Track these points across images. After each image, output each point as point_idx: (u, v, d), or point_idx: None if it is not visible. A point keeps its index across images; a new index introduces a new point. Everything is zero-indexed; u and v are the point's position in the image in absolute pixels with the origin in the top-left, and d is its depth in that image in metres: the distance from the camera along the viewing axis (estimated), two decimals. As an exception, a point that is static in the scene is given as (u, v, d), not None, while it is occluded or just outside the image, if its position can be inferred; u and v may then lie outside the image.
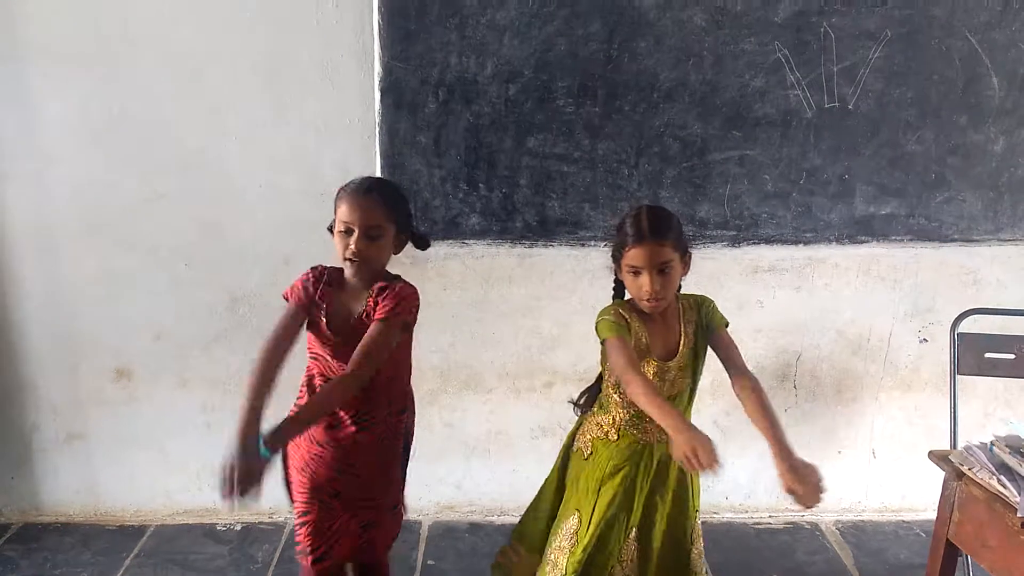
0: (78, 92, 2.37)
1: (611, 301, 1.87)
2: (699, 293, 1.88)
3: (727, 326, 1.84)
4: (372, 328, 1.70)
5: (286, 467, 1.91)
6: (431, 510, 2.75)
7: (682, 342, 1.79)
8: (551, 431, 2.70)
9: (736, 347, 1.81)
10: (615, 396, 1.84)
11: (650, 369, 1.77)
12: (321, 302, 1.77)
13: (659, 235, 1.69)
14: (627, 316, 1.78)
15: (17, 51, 2.33)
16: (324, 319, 1.76)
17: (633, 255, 1.70)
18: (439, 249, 2.52)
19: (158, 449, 2.68)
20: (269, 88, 2.39)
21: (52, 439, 2.66)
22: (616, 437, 1.84)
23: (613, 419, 1.84)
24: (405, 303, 1.74)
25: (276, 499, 2.71)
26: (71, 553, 2.54)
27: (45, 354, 2.58)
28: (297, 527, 1.86)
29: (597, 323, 1.79)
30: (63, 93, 2.37)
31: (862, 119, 2.44)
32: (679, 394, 1.82)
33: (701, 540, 1.93)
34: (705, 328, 1.82)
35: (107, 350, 2.58)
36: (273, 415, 2.75)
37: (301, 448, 1.83)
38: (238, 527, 2.70)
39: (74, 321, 2.55)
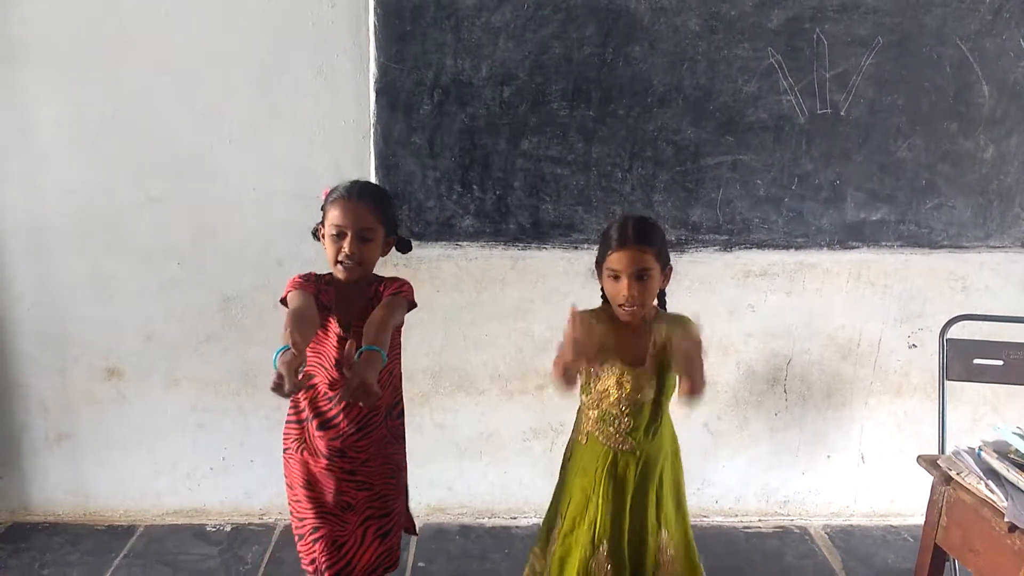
0: (71, 94, 2.36)
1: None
2: (682, 313, 1.84)
3: (697, 339, 1.72)
4: (382, 302, 1.71)
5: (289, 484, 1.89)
6: (422, 512, 2.75)
7: (649, 352, 1.77)
8: (543, 433, 2.71)
9: (699, 354, 1.70)
10: (583, 398, 1.86)
11: (615, 373, 1.77)
12: (328, 304, 1.77)
13: (641, 241, 1.70)
14: (593, 321, 1.78)
15: (11, 53, 2.32)
16: (335, 322, 1.76)
17: (614, 259, 1.70)
18: (432, 250, 2.52)
19: (148, 449, 2.67)
20: (263, 90, 2.39)
21: (42, 438, 2.64)
22: (584, 442, 1.85)
23: (584, 422, 1.85)
24: (408, 286, 1.81)
25: (266, 500, 2.73)
26: (60, 553, 2.52)
27: (36, 353, 2.57)
28: (308, 543, 1.83)
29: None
30: (56, 95, 2.36)
31: (853, 125, 2.45)
32: (645, 404, 1.78)
33: (672, 553, 1.83)
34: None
35: (98, 350, 2.57)
36: (269, 417, 2.72)
37: (305, 464, 1.82)
38: (228, 528, 2.69)
39: (65, 321, 2.54)
